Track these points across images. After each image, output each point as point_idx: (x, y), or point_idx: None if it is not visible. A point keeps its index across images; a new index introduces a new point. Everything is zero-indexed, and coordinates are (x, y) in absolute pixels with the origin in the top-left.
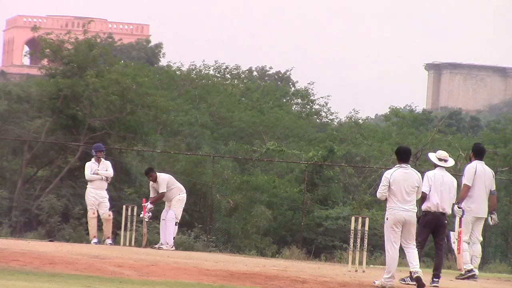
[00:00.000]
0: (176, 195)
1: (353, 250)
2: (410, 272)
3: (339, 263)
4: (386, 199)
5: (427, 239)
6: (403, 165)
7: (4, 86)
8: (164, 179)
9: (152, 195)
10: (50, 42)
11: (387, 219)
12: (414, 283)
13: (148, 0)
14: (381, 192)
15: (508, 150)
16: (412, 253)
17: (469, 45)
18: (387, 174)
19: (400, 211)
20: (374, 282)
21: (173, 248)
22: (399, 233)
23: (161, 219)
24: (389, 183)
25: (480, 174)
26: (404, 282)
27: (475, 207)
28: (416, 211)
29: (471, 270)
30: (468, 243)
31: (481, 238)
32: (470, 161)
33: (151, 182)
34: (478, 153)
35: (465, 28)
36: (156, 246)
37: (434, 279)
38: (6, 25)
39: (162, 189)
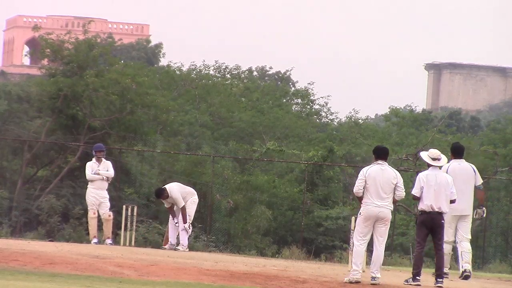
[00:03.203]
0: (189, 198)
1: (353, 250)
2: (412, 273)
3: (339, 263)
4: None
5: (425, 239)
6: (380, 161)
7: (4, 86)
8: (176, 192)
9: (167, 206)
10: (50, 42)
11: (360, 214)
12: (416, 283)
13: (148, 0)
14: (357, 187)
15: (508, 150)
16: (378, 253)
17: (469, 45)
18: (363, 170)
19: (374, 207)
20: (344, 279)
21: (187, 249)
22: (369, 229)
23: (170, 221)
24: (365, 178)
25: (454, 172)
26: (407, 283)
27: (454, 205)
28: (391, 208)
29: (447, 273)
30: (455, 242)
31: (469, 236)
32: (449, 160)
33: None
34: (456, 151)
35: (465, 28)
36: (166, 246)
37: (438, 279)
38: (6, 25)
39: (181, 204)
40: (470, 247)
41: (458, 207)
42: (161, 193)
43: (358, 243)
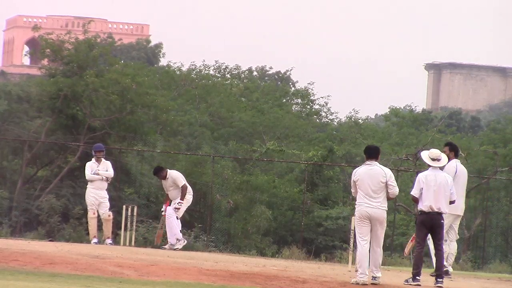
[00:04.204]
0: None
1: (353, 250)
2: (412, 273)
3: (339, 263)
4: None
5: (425, 239)
6: (368, 162)
7: (4, 86)
8: (177, 172)
9: (167, 192)
10: (50, 42)
11: (355, 215)
12: (416, 283)
13: (148, 0)
14: (352, 190)
15: (508, 150)
16: (375, 253)
17: (469, 45)
18: (353, 172)
19: (365, 207)
20: (351, 280)
21: (185, 241)
22: (367, 229)
23: (167, 220)
24: (354, 179)
25: (459, 172)
26: (407, 283)
27: (455, 204)
28: (385, 208)
29: (449, 273)
30: (445, 241)
31: (457, 236)
32: (449, 159)
33: (163, 181)
34: (456, 151)
35: (465, 28)
36: (166, 246)
37: (438, 279)
38: (6, 25)
39: (181, 183)
40: (456, 249)
41: (459, 206)
42: (160, 170)
43: (360, 244)
